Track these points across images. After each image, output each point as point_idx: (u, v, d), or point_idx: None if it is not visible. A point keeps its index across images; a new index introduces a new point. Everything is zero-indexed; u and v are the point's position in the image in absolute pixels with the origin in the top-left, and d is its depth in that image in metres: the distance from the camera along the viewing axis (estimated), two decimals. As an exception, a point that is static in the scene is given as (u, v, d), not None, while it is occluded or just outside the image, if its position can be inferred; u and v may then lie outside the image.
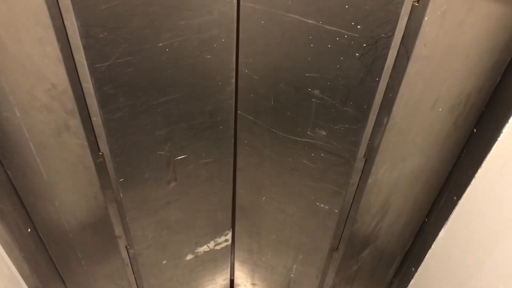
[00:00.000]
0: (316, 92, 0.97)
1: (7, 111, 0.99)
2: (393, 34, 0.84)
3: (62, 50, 0.85)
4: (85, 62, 0.87)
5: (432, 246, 1.40)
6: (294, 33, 0.92)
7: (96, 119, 0.97)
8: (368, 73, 0.90)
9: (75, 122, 0.97)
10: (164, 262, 1.46)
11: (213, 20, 0.92)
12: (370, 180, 1.12)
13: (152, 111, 1.02)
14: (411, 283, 1.55)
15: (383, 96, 0.94)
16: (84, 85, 0.91)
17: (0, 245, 1.25)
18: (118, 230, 1.27)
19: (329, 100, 0.98)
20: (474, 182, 1.16)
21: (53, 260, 1.51)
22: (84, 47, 0.85)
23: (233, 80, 1.05)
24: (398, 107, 0.96)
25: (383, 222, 1.33)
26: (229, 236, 1.52)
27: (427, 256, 1.43)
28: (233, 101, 1.10)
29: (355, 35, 0.86)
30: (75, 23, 0.83)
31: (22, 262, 1.33)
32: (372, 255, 1.48)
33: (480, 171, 1.13)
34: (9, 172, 1.17)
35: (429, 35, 0.84)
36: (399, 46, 0.86)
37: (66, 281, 1.61)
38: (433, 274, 1.41)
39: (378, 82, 0.91)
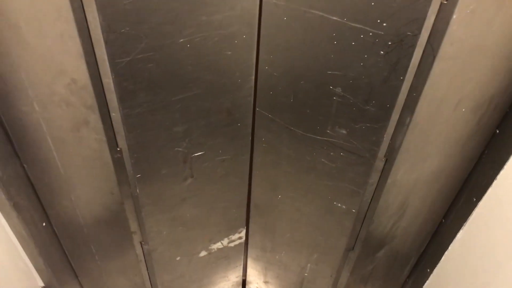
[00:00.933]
0: (338, 90, 0.96)
1: (26, 105, 0.99)
2: (419, 33, 0.82)
3: (83, 44, 0.84)
4: (106, 57, 0.86)
5: (449, 248, 1.38)
6: (317, 30, 0.90)
7: (115, 114, 0.96)
8: (392, 72, 0.88)
9: (94, 118, 0.97)
10: (178, 258, 1.46)
11: (235, 16, 0.91)
12: (389, 181, 1.11)
13: (171, 107, 1.01)
14: (426, 284, 1.54)
15: (407, 96, 0.92)
16: (104, 80, 0.90)
17: (16, 238, 1.25)
18: (133, 225, 1.26)
19: (351, 99, 0.96)
20: (495, 183, 1.14)
21: (67, 255, 1.51)
22: (106, 42, 0.85)
23: (253, 77, 1.04)
24: (421, 107, 0.94)
25: (400, 222, 1.31)
26: (243, 234, 1.52)
27: (443, 257, 1.41)
28: (251, 98, 1.09)
29: (380, 33, 0.85)
30: (97, 18, 0.82)
31: (37, 256, 1.33)
32: (388, 255, 1.46)
33: (502, 172, 1.11)
34: (25, 166, 1.17)
35: (456, 34, 0.82)
36: (425, 45, 0.84)
37: (79, 276, 1.62)
38: (449, 276, 1.40)
39: (402, 81, 0.89)
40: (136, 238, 1.31)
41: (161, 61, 0.91)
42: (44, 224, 1.34)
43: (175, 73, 0.95)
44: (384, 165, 1.08)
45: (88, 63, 0.86)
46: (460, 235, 1.32)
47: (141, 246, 1.34)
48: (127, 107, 0.96)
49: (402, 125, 0.98)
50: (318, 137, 1.09)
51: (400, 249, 1.47)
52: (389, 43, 0.85)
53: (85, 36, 0.84)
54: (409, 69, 0.88)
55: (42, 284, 1.48)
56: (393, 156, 1.04)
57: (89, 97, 0.93)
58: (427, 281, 1.53)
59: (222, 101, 1.05)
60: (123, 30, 0.84)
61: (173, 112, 1.02)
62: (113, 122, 0.98)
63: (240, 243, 1.55)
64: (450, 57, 0.86)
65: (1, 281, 1.24)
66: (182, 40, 0.91)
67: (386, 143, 1.02)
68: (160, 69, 0.93)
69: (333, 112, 1.01)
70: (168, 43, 0.90)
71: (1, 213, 1.15)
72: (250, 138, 1.20)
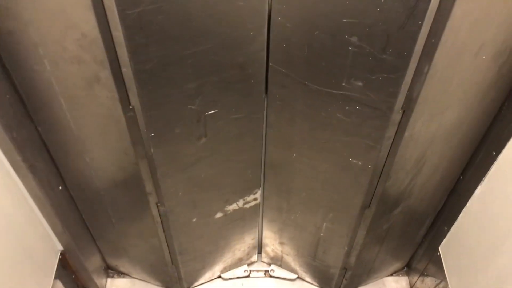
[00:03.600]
0: (354, 39, 0.93)
1: (37, 64, 0.98)
2: (439, -28, 0.79)
3: (91, -4, 0.82)
4: (115, 8, 0.84)
5: (467, 205, 1.36)
6: (331, -25, 0.87)
7: (127, 70, 0.95)
8: (410, 17, 0.85)
9: (106, 74, 0.95)
10: (194, 220, 1.46)
11: (246, -36, 0.88)
12: (406, 134, 1.08)
13: (183, 62, 0.99)
14: (443, 242, 1.53)
15: (425, 42, 0.89)
16: (114, 33, 0.88)
17: (33, 201, 1.26)
18: (148, 186, 1.26)
19: (367, 48, 0.94)
20: (515, 135, 1.12)
21: (84, 219, 1.53)
22: (114, -8, 0.83)
23: (265, 30, 1.01)
24: (440, 54, 0.91)
25: (417, 178, 1.29)
26: (258, 195, 1.51)
27: (461, 214, 1.40)
28: (264, 52, 1.06)
29: (398, -26, 0.81)
30: (105, -34, 0.80)
31: (55, 218, 1.34)
32: (404, 213, 1.45)
33: (523, 123, 1.08)
34: (39, 128, 1.17)
35: (478, -27, 0.79)
36: (445, -14, 0.81)
37: (96, 239, 1.64)
38: (467, 233, 1.38)
39: (420, 26, 0.86)
40: (152, 200, 1.31)
41: (171, 12, 0.89)
42: (60, 187, 1.34)
43: (186, 25, 0.93)
44: (401, 117, 1.05)
45: (97, 16, 0.84)
46: (478, 191, 1.30)
47: (157, 208, 1.35)
48: (138, 62, 0.94)
49: (420, 74, 0.95)
50: (334, 91, 1.06)
51: (417, 207, 1.46)
52: (407, -15, 0.82)
53: (93, -13, 0.82)
54: (428, 13, 0.84)
55: (61, 248, 1.50)
56: (411, 108, 1.02)
57: (100, 52, 0.91)
58: (444, 240, 1.52)
59: (234, 56, 1.03)
60: (131, -20, 0.82)
61: (185, 67, 1.00)
62: (125, 78, 0.97)
63: (255, 204, 1.55)
64: (471, -1, 0.82)
65: (21, 244, 1.26)
66: (192, -11, 0.88)
67: (404, 94, 0.99)
68: (170, 21, 0.91)
69: (348, 63, 0.99)
70: (178, -7, 0.87)
71: (18, 176, 1.16)
72: (264, 95, 1.18)
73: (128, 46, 0.91)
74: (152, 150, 1.15)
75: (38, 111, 1.11)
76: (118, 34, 0.88)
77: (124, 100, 1.02)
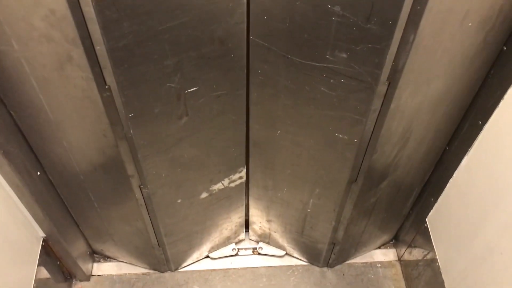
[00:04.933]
0: (337, 8, 0.89)
1: (5, 44, 0.92)
2: None
3: (57, -32, 0.77)
4: (84, -19, 0.79)
5: (454, 175, 1.36)
6: None
7: (100, 47, 0.90)
8: (395, -17, 0.82)
9: (78, 52, 0.90)
10: (179, 201, 1.44)
11: None
12: (392, 106, 1.06)
13: (159, 37, 0.94)
14: (430, 214, 1.53)
15: (410, 9, 0.86)
16: (84, 9, 0.83)
17: (11, 188, 1.22)
18: (130, 169, 1.23)
19: (350, 18, 0.90)
20: (502, 104, 1.10)
21: (66, 204, 1.49)
22: (82, -36, 0.77)
23: (244, 1, 0.97)
24: (426, 22, 0.88)
25: (403, 151, 1.28)
26: (243, 173, 1.49)
27: (448, 185, 1.40)
28: (244, 25, 1.02)
29: None
30: None
31: (35, 205, 1.30)
32: (391, 186, 1.45)
33: (509, 91, 1.07)
34: (12, 113, 1.12)
35: None
36: (430, -51, 0.77)
37: (80, 225, 1.61)
38: (453, 204, 1.38)
39: (405, -8, 0.83)
40: (135, 182, 1.28)
41: (144, -16, 0.84)
42: (38, 173, 1.30)
43: (161, -2, 0.88)
44: (387, 89, 1.02)
45: (65, -10, 0.79)
46: (464, 161, 1.30)
47: (140, 190, 1.31)
48: (112, 39, 0.89)
49: (405, 43, 0.92)
50: (317, 64, 1.03)
51: (404, 179, 1.45)
52: (391, -51, 0.78)
53: (59, -42, 0.77)
54: (413, -21, 0.81)
55: (43, 235, 1.46)
56: (397, 78, 0.99)
57: (70, 29, 0.86)
58: (431, 211, 1.53)
59: (213, 29, 0.99)
60: (99, -50, 0.77)
61: (162, 43, 0.96)
62: (99, 57, 0.92)
63: (241, 183, 1.52)
64: (457, -38, 0.79)
65: (1, 233, 1.22)
66: (165, -40, 0.83)
67: (389, 65, 0.97)
68: (144, -6, 0.86)
69: (332, 34, 0.95)
70: (151, -36, 0.83)
71: (-9, 162, 1.11)
72: (246, 70, 1.14)
73: (100, 22, 0.86)
74: (131, 131, 1.11)
75: (9, 94, 1.06)
76: (88, 9, 0.83)
77: (99, 79, 0.97)
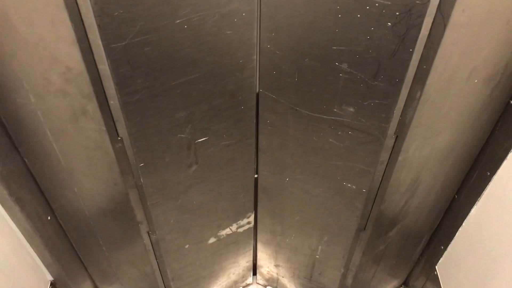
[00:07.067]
0: (344, 66, 0.92)
1: (22, 97, 0.95)
2: (429, 1, 0.78)
3: (75, 30, 0.80)
4: (100, 42, 0.82)
5: (463, 224, 1.35)
6: (320, 3, 0.86)
7: (114, 102, 0.93)
8: (401, 44, 0.84)
9: (92, 106, 0.93)
10: (187, 246, 1.44)
11: (233, -7, 0.87)
12: (400, 158, 1.07)
13: (171, 92, 0.97)
14: (440, 261, 1.51)
15: (417, 68, 0.88)
16: (100, 67, 0.86)
17: (21, 233, 1.23)
18: (139, 215, 1.24)
19: (358, 75, 0.92)
20: (510, 156, 1.11)
21: (75, 248, 1.49)
22: (99, 26, 0.81)
23: (255, 57, 1.00)
24: (432, 80, 0.90)
25: (412, 200, 1.28)
26: (251, 218, 1.49)
27: (457, 234, 1.39)
28: (254, 79, 1.05)
29: (387, 3, 0.80)
30: (89, 1, 0.78)
31: (44, 250, 1.31)
32: (400, 234, 1.44)
33: (517, 144, 1.07)
34: (26, 160, 1.14)
35: (467, 0, 0.78)
36: (435, 13, 0.80)
37: (88, 268, 1.60)
38: (463, 252, 1.37)
39: (411, 53, 0.85)
40: (143, 228, 1.28)
41: (158, 44, 0.87)
42: (49, 217, 1.31)
43: (174, 56, 0.91)
44: (395, 142, 1.04)
45: (82, 50, 0.82)
46: (474, 210, 1.29)
47: (149, 236, 1.32)
48: (125, 94, 0.92)
49: (412, 99, 0.93)
50: (325, 117, 1.05)
51: (413, 227, 1.44)
52: (397, 13, 0.81)
53: (77, 21, 0.80)
54: (419, 40, 0.83)
55: (51, 278, 1.46)
56: (404, 132, 1.00)
57: (86, 85, 0.89)
58: (441, 259, 1.51)
59: (224, 84, 1.02)
60: (116, 13, 0.80)
61: (174, 97, 0.98)
62: (112, 111, 0.95)
63: (249, 228, 1.52)
64: (462, 25, 0.81)
65: (10, 277, 1.22)
66: (178, 21, 0.86)
67: (396, 119, 0.98)
68: (157, 52, 0.89)
69: (339, 89, 0.97)
70: (164, 25, 0.86)
71: (4, 208, 1.13)
72: (255, 121, 1.16)
73: (115, 79, 0.89)
74: (141, 180, 1.12)
75: (24, 143, 1.08)
76: (104, 67, 0.86)
77: (112, 131, 0.99)
